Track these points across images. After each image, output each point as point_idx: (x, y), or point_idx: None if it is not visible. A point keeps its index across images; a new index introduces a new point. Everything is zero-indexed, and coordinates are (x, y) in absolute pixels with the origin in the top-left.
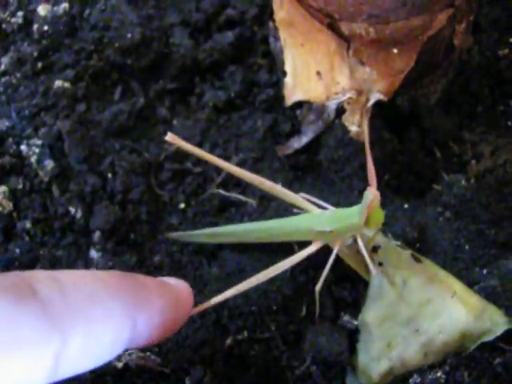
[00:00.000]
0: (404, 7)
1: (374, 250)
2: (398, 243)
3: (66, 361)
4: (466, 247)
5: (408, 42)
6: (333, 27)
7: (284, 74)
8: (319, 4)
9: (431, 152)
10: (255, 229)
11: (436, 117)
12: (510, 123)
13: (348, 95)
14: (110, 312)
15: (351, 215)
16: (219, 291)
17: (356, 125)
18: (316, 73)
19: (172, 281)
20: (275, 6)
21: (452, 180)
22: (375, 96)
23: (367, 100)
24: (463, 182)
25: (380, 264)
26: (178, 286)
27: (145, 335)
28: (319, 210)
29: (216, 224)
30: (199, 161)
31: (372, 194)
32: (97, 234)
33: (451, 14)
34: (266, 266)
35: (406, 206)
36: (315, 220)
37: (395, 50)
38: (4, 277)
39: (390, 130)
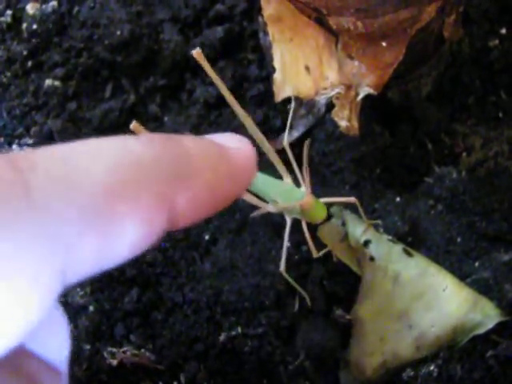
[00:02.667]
0: (392, 0)
1: (366, 244)
2: (390, 237)
3: (75, 267)
4: (458, 240)
5: (397, 35)
6: (321, 22)
7: (273, 69)
8: None
9: (423, 144)
10: None
11: (427, 109)
12: (500, 115)
13: (336, 90)
14: (136, 201)
15: (296, 198)
16: (212, 287)
17: (346, 119)
18: (305, 68)
19: (233, 141)
20: (263, 1)
21: (443, 173)
22: (364, 90)
23: (356, 94)
24: (454, 175)
25: (372, 258)
26: (240, 150)
27: (188, 216)
28: (289, 182)
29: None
30: None
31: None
32: None
33: (440, 6)
34: (259, 262)
35: (397, 199)
36: (276, 188)
37: (384, 44)
38: None
39: (381, 124)
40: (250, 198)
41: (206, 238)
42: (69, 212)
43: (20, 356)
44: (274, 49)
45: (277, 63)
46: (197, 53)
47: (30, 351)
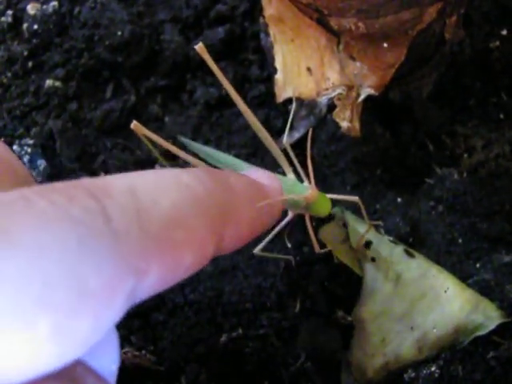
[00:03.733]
0: (393, 1)
1: (367, 245)
2: (391, 238)
3: (136, 297)
4: (459, 241)
5: (398, 36)
6: (322, 22)
7: (274, 70)
8: (308, 0)
9: (424, 146)
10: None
11: (428, 110)
12: (501, 116)
13: (338, 91)
14: (195, 233)
15: (300, 192)
16: (213, 288)
17: (347, 120)
18: (306, 69)
19: (264, 178)
20: (264, 2)
21: (444, 174)
22: (366, 91)
23: (358, 95)
24: (456, 176)
25: (373, 259)
26: (271, 186)
27: (230, 247)
28: (292, 178)
29: None
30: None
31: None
32: None
33: (441, 7)
34: (260, 263)
35: (399, 200)
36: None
37: (385, 45)
38: (71, 193)
39: (382, 125)
40: None
41: None
42: (143, 239)
43: (75, 367)
44: (276, 50)
45: (278, 64)
46: (199, 47)
47: (84, 362)
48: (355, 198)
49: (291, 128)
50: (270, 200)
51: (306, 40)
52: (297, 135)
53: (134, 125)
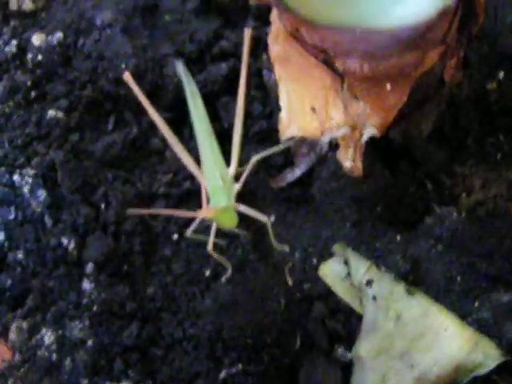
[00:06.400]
0: (397, 45)
1: (368, 283)
2: (392, 276)
3: None
4: (458, 279)
5: (401, 78)
6: (327, 63)
7: (278, 108)
8: (315, 41)
9: (423, 184)
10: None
11: (427, 149)
12: (499, 157)
13: (342, 131)
14: None
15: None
16: (213, 323)
17: (350, 160)
18: (311, 108)
19: None
20: (270, 40)
21: (443, 213)
22: (369, 131)
23: (361, 135)
24: (455, 215)
25: (374, 298)
26: None
27: None
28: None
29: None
30: (191, 192)
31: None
32: (90, 266)
33: (443, 50)
34: (260, 299)
35: (398, 238)
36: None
37: (388, 86)
38: None
39: (382, 163)
40: None
41: (207, 273)
42: None
43: None
44: (280, 88)
45: (283, 102)
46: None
47: None
48: (264, 218)
49: (292, 165)
50: None
51: (311, 79)
52: (298, 172)
53: (126, 76)
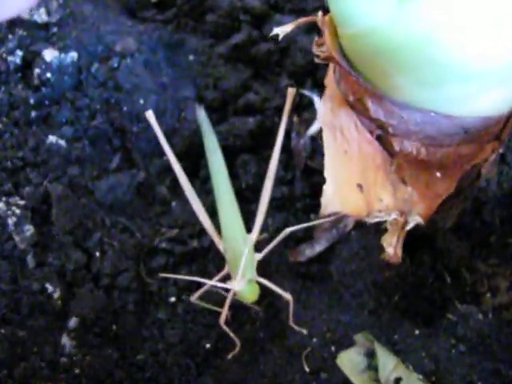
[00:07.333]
0: (459, 134)
1: (397, 381)
2: (420, 377)
3: None
4: None
5: (453, 167)
6: (382, 140)
7: (323, 180)
8: (378, 115)
9: (442, 277)
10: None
11: (450, 241)
12: None
13: (393, 216)
14: None
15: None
16: None
17: (392, 246)
18: (357, 185)
19: None
20: (324, 106)
21: (467, 311)
22: (415, 219)
23: (405, 222)
24: (480, 316)
25: None
26: None
27: None
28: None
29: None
30: (197, 252)
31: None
32: (74, 320)
33: (496, 146)
34: (275, 380)
35: (417, 332)
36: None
37: (438, 174)
38: None
39: (403, 249)
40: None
41: (207, 346)
42: None
43: None
44: (327, 158)
45: (328, 175)
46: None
47: None
48: (287, 296)
49: (312, 239)
50: None
51: (361, 155)
52: (318, 249)
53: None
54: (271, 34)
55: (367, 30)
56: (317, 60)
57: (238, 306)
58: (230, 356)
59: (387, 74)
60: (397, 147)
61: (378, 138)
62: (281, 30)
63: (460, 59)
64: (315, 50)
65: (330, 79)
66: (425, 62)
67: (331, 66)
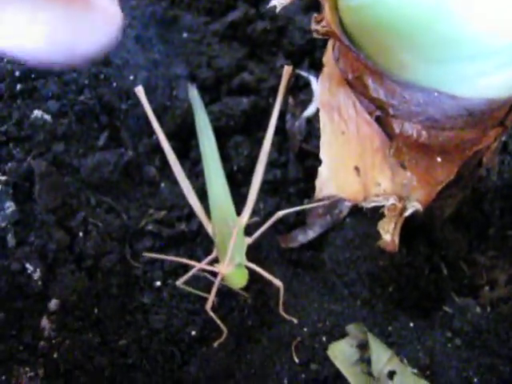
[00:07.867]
0: (467, 116)
1: (390, 374)
2: (415, 371)
3: None
4: (475, 381)
5: (455, 153)
6: (381, 122)
7: (319, 164)
8: (379, 94)
9: (438, 269)
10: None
11: (447, 232)
12: None
13: (391, 201)
14: None
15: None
16: None
17: (390, 233)
18: (354, 168)
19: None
20: (322, 85)
21: (464, 304)
22: (413, 205)
23: (404, 208)
24: (477, 309)
25: None
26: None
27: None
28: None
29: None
30: (185, 235)
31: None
32: (54, 302)
33: (499, 132)
34: (261, 375)
35: (411, 324)
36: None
37: (439, 159)
38: None
39: (399, 239)
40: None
41: (193, 333)
42: None
43: None
44: (323, 140)
45: (324, 156)
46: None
47: None
48: (278, 283)
49: (304, 224)
50: None
51: (359, 136)
52: (311, 235)
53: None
54: (268, 6)
55: (371, 0)
56: (315, 35)
57: (225, 293)
58: (216, 344)
59: (391, 49)
60: (397, 129)
61: (378, 120)
62: (278, 2)
63: (473, 33)
64: (314, 26)
65: (328, 57)
66: (433, 37)
67: (330, 43)
